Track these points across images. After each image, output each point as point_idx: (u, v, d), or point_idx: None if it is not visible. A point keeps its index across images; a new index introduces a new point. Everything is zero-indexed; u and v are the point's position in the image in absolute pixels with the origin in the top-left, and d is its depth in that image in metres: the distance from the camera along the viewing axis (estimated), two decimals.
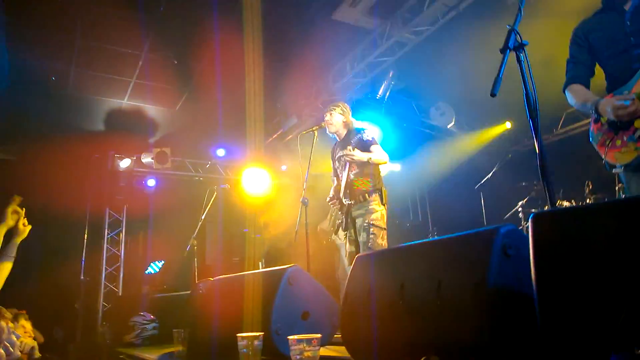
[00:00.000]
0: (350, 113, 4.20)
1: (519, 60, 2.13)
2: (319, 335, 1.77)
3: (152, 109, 7.13)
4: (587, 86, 2.67)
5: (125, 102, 6.79)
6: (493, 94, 2.05)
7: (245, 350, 2.11)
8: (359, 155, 3.76)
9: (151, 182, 7.64)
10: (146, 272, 6.37)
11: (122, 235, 7.29)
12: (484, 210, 6.46)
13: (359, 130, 4.04)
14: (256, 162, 7.40)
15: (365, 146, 3.81)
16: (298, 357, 1.72)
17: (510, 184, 6.44)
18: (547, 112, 6.61)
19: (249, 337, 2.11)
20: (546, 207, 5.51)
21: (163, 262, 6.06)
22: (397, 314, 2.06)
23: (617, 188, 5.09)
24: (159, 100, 6.95)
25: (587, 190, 5.42)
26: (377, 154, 3.86)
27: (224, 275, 3.59)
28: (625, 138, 2.38)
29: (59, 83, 6.07)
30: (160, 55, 5.91)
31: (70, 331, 5.86)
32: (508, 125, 7.30)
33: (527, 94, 2.13)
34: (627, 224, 1.44)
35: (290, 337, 1.77)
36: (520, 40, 2.13)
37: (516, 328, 1.68)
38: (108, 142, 7.06)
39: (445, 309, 1.87)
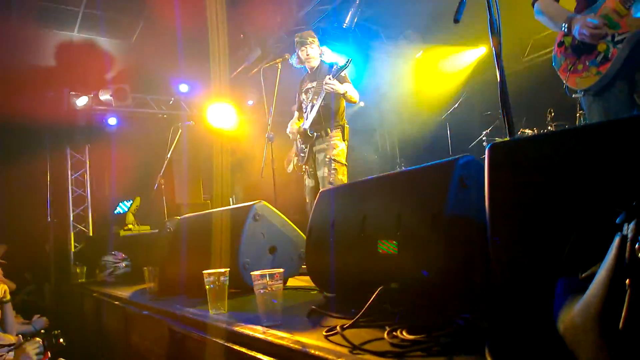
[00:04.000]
0: (318, 43, 4.08)
1: None
2: (281, 270, 1.80)
3: (105, 42, 6.68)
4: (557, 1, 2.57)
5: (76, 34, 6.33)
6: (456, 20, 1.99)
7: (212, 285, 2.15)
8: (338, 86, 3.70)
9: (112, 121, 7.36)
10: (115, 212, 6.32)
11: (87, 176, 7.12)
12: (449, 140, 6.55)
13: (331, 64, 3.94)
14: (221, 97, 7.18)
15: (339, 80, 3.74)
16: (262, 291, 1.76)
17: (476, 112, 6.49)
18: (515, 40, 6.54)
19: (215, 273, 2.14)
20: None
21: (132, 201, 6.00)
22: (358, 245, 2.12)
23: (577, 115, 5.20)
24: (113, 32, 6.50)
25: (548, 118, 5.52)
26: (351, 90, 3.82)
27: (191, 214, 3.59)
28: (587, 62, 2.35)
29: (0, 14, 5.58)
30: None
31: (43, 273, 5.85)
32: (483, 50, 7.09)
33: (491, 21, 2.08)
34: (577, 151, 1.46)
35: (253, 273, 1.80)
36: None
37: (473, 257, 1.74)
38: (62, 78, 6.66)
39: (405, 240, 1.93)
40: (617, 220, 0.84)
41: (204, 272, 2.18)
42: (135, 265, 4.56)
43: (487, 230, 1.65)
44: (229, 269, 2.19)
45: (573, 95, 2.50)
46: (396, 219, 1.98)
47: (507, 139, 1.98)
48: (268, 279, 1.78)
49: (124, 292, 3.50)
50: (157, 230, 4.76)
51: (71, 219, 6.80)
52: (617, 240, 0.81)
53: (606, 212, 1.29)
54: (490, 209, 1.62)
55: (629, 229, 0.81)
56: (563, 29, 2.42)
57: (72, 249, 6.57)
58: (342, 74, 3.81)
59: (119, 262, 4.60)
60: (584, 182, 1.44)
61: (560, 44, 2.50)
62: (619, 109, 2.31)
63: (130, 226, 6.00)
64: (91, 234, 6.80)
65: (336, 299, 2.17)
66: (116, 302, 3.29)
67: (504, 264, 1.57)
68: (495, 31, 2.09)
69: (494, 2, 2.03)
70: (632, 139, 1.30)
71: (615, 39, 2.24)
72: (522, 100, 5.13)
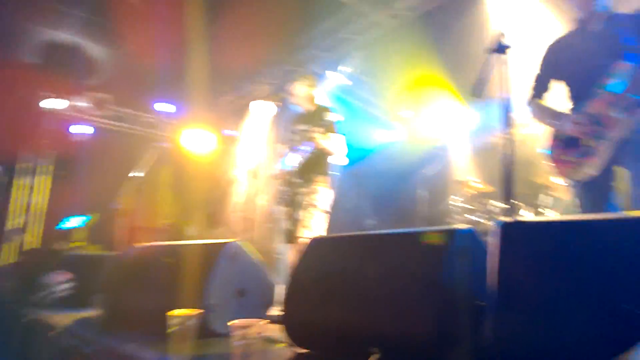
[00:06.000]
0: (317, 87, 4.07)
1: (501, 64, 2.09)
2: (265, 322, 1.65)
3: (95, 48, 6.48)
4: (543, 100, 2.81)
5: (64, 34, 6.11)
6: (477, 95, 2.00)
7: (177, 328, 1.94)
8: (322, 141, 3.69)
9: (84, 129, 7.02)
10: (62, 225, 5.88)
11: (45, 183, 6.67)
12: (421, 200, 6.56)
13: (325, 110, 3.93)
14: (201, 122, 7.02)
15: (327, 131, 3.73)
16: (239, 342, 1.59)
17: (451, 178, 6.61)
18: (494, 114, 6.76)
19: (182, 315, 1.94)
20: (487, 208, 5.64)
21: (89, 217, 5.63)
22: (345, 303, 2.00)
23: (541, 195, 5.36)
24: (103, 39, 6.32)
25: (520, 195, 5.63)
26: (336, 145, 3.81)
27: (156, 242, 3.36)
28: (575, 155, 2.53)
29: None
30: None
31: None
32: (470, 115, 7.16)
33: (505, 99, 2.08)
34: (595, 241, 1.46)
35: (232, 323, 1.63)
36: (505, 43, 2.09)
37: (464, 331, 1.66)
38: (39, 79, 6.35)
39: (397, 303, 1.84)
40: None
41: (169, 313, 1.97)
42: (80, 288, 4.15)
43: (482, 306, 1.60)
44: (199, 312, 2.00)
45: (566, 185, 2.67)
46: (390, 281, 1.89)
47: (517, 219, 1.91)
48: (248, 331, 1.62)
49: (64, 319, 3.12)
50: (110, 253, 4.43)
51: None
52: None
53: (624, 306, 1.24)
54: (500, 286, 1.57)
55: None
56: (553, 124, 2.64)
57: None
58: (332, 121, 3.81)
59: (61, 283, 4.17)
60: (598, 272, 1.40)
61: (554, 137, 2.67)
62: (602, 197, 2.52)
63: (78, 243, 5.60)
64: (32, 247, 6.27)
65: (313, 356, 2.01)
66: (51, 332, 2.90)
67: (506, 347, 1.50)
68: (508, 111, 2.10)
69: (510, 80, 2.05)
70: None
71: (601, 136, 2.43)
72: (493, 174, 5.23)
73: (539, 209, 5.19)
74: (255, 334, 1.64)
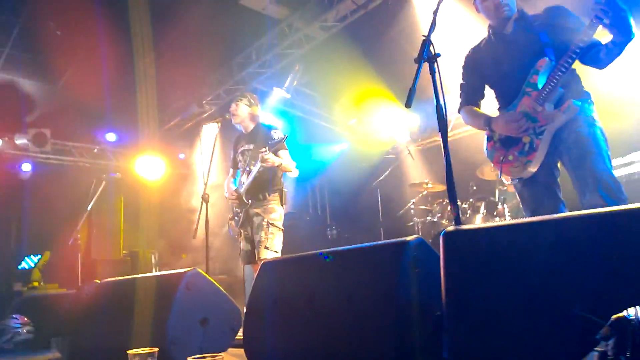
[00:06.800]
0: (259, 105, 4.09)
1: (432, 72, 2.15)
2: (222, 355, 1.66)
3: (28, 84, 6.27)
4: (478, 107, 2.86)
5: None
6: (408, 106, 2.07)
7: None
8: (273, 159, 3.69)
9: (26, 167, 6.75)
10: (19, 267, 5.63)
11: None
12: (380, 206, 6.70)
13: (269, 128, 3.94)
14: (151, 149, 6.90)
15: (275, 148, 3.73)
16: None
17: (405, 181, 6.78)
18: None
19: (141, 354, 1.93)
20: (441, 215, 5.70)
21: (40, 256, 5.41)
22: (305, 324, 2.02)
23: (497, 190, 5.58)
24: (38, 75, 6.13)
25: (471, 191, 5.85)
26: (286, 160, 3.82)
27: (113, 278, 3.29)
28: (516, 153, 2.56)
29: None
30: (40, 24, 5.20)
31: None
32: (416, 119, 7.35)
33: (438, 107, 2.16)
34: (534, 243, 1.50)
35: (190, 359, 1.64)
36: (434, 52, 2.16)
37: (424, 341, 1.70)
38: None
39: (354, 321, 1.86)
40: (597, 336, 0.84)
41: (129, 352, 1.96)
42: (39, 331, 4.02)
43: (439, 315, 1.64)
44: (157, 349, 1.99)
45: (508, 183, 2.69)
46: (347, 299, 1.92)
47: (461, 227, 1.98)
48: None
49: None
50: (67, 291, 4.30)
51: None
52: (595, 357, 0.81)
53: (570, 312, 1.31)
54: (447, 297, 1.61)
55: (608, 346, 0.82)
56: (485, 128, 2.70)
57: None
58: (278, 139, 3.82)
59: (20, 327, 4.03)
60: (541, 274, 1.44)
61: (489, 138, 2.73)
62: (545, 192, 2.56)
63: (35, 284, 5.39)
64: None
65: None
66: None
67: (461, 354, 1.55)
68: (442, 118, 2.18)
69: (441, 90, 2.14)
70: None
71: (537, 131, 2.49)
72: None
73: (498, 206, 5.34)
74: None
